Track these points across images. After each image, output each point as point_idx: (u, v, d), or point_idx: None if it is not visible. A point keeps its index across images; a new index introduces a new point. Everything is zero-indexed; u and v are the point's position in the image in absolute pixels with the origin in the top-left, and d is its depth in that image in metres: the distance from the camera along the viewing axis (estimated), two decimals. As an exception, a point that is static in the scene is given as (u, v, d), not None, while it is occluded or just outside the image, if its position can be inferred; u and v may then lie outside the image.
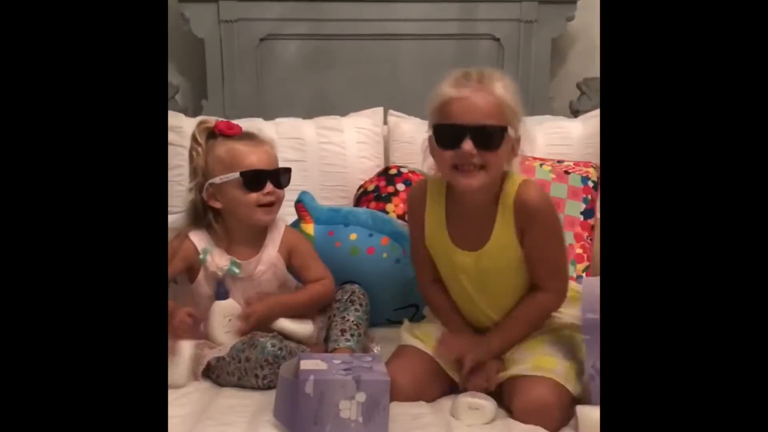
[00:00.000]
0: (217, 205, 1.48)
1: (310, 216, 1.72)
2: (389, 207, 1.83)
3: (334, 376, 1.17)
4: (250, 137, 1.50)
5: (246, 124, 1.64)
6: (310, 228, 1.70)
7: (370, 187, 1.90)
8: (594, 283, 1.18)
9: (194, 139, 1.49)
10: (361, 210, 1.78)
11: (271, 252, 1.52)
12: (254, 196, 1.46)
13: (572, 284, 1.41)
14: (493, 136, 1.25)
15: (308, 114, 2.10)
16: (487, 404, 1.26)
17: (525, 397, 1.25)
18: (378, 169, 2.00)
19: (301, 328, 1.49)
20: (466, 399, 1.27)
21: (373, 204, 1.85)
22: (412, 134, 2.03)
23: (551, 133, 2.03)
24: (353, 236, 1.69)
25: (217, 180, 1.46)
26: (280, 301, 1.52)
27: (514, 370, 1.31)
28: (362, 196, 1.90)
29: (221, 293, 1.48)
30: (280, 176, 1.50)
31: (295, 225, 1.70)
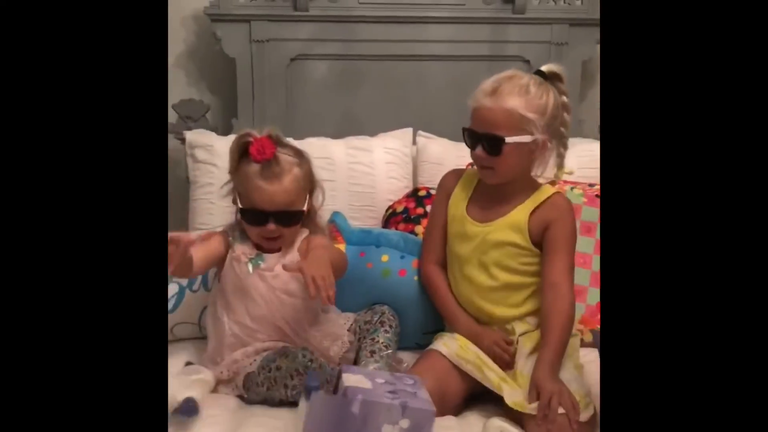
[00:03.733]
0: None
1: (342, 237, 1.71)
2: (418, 229, 1.82)
3: (381, 399, 1.15)
4: (271, 169, 1.45)
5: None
6: (342, 248, 1.69)
7: (399, 208, 1.89)
8: None
9: (231, 149, 1.51)
10: (393, 232, 1.78)
11: (295, 253, 1.53)
12: (257, 229, 1.48)
13: None
14: (495, 144, 1.43)
15: (337, 134, 2.10)
16: (517, 431, 1.25)
17: None
18: (406, 190, 1.99)
19: None
20: (497, 422, 1.26)
21: (402, 225, 1.84)
22: (441, 155, 2.03)
23: (582, 156, 1.99)
24: (385, 258, 1.69)
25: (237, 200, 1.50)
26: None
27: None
28: (391, 217, 1.90)
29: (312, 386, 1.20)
30: (283, 217, 1.46)
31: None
